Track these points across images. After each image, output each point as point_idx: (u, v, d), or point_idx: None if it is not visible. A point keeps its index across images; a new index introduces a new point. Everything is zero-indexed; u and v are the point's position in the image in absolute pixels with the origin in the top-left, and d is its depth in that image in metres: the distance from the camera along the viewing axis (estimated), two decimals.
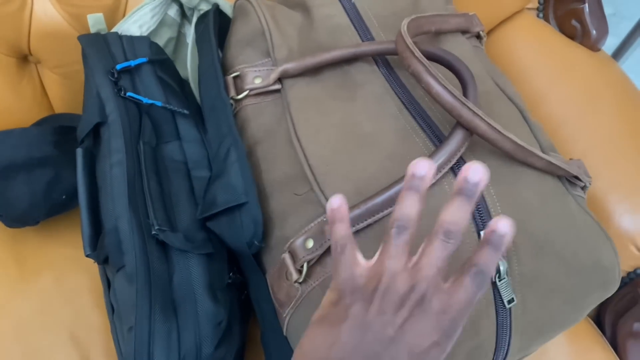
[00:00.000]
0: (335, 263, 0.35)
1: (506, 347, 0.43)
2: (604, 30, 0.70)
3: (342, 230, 0.36)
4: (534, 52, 0.71)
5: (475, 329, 0.41)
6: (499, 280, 0.40)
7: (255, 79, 0.52)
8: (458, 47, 0.53)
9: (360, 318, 0.32)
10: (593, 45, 0.71)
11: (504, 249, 0.32)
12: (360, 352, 0.31)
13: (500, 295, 0.41)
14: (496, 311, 0.41)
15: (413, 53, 0.43)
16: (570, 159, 0.51)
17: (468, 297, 0.32)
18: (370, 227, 0.42)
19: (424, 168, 0.33)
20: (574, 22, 0.71)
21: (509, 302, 0.41)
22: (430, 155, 0.41)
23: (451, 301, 0.32)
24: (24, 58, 0.71)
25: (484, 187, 0.33)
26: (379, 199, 0.41)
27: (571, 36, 0.73)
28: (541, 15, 0.75)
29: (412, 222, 0.33)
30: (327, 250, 0.42)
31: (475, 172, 0.32)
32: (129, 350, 0.42)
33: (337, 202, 0.36)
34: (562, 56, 0.70)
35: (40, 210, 0.59)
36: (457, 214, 0.32)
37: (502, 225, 0.32)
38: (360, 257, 0.35)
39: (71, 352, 0.57)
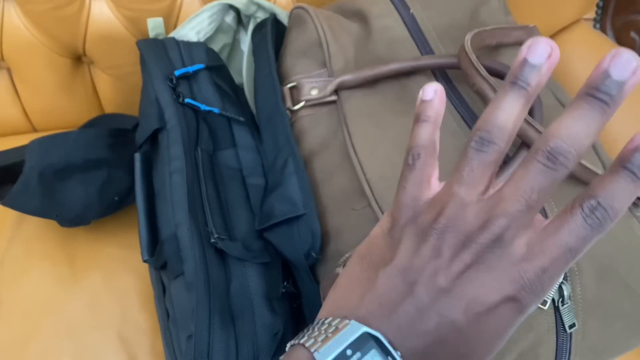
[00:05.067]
0: (401, 178, 0.28)
1: None
2: None
3: (424, 134, 0.28)
4: (589, 64, 0.69)
5: (534, 353, 0.40)
6: (562, 305, 0.40)
7: (312, 90, 0.52)
8: None
9: (406, 260, 0.25)
10: None
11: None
12: (397, 309, 0.25)
13: (562, 320, 0.40)
14: (557, 335, 0.40)
15: (478, 71, 0.42)
16: None
17: (574, 240, 0.23)
18: None
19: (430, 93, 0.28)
20: (632, 34, 0.69)
21: (570, 327, 0.40)
22: None
23: (544, 244, 0.23)
24: (78, 59, 0.73)
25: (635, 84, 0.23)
26: None
27: (629, 48, 0.71)
28: (598, 26, 0.73)
29: (505, 134, 0.24)
30: None
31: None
32: (188, 359, 0.42)
33: (430, 94, 0.28)
34: None
35: (93, 211, 0.61)
36: (576, 125, 0.22)
37: None
38: (435, 178, 0.28)
39: (119, 352, 0.58)
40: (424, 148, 0.28)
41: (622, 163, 0.22)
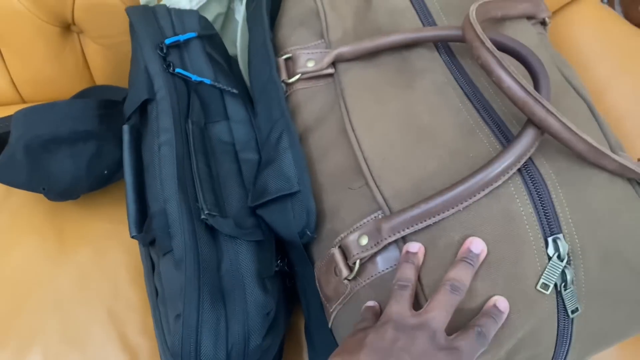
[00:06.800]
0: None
1: (564, 357, 0.41)
2: None
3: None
4: (596, 39, 0.67)
5: (536, 338, 0.39)
6: (565, 290, 0.38)
7: (308, 62, 0.50)
8: (524, 34, 0.50)
9: (376, 345, 0.35)
10: None
11: (501, 321, 0.37)
12: None
13: (564, 305, 0.39)
14: (558, 320, 0.39)
15: (484, 43, 0.40)
16: (639, 159, 0.48)
17: (471, 347, 0.35)
18: (429, 228, 0.40)
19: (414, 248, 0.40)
20: None
21: (573, 311, 0.39)
22: (498, 156, 0.39)
23: (456, 343, 0.35)
24: (67, 27, 0.71)
25: (483, 258, 0.38)
26: (439, 200, 0.39)
27: (637, 24, 0.68)
28: (606, 0, 0.70)
29: (412, 282, 0.39)
30: (382, 249, 0.41)
31: (478, 244, 0.38)
32: (176, 339, 0.41)
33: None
34: (627, 45, 0.67)
35: (82, 184, 0.59)
36: (461, 274, 0.37)
37: (502, 303, 0.38)
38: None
39: (108, 327, 0.57)
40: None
41: (489, 314, 0.37)
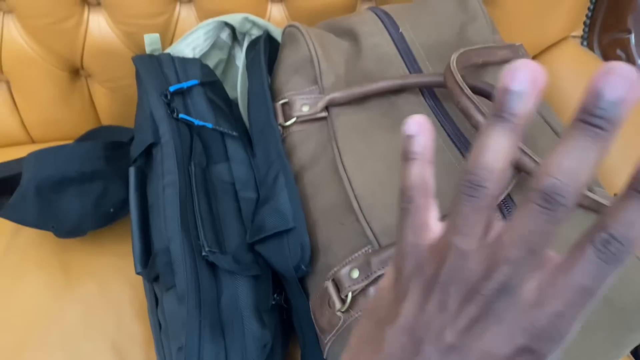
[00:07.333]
0: (398, 224, 0.25)
1: None
2: None
3: (414, 174, 0.25)
4: (577, 80, 0.71)
5: None
6: None
7: (303, 107, 0.53)
8: None
9: (411, 317, 0.23)
10: None
11: None
12: None
13: None
14: None
15: (462, 90, 0.43)
16: (615, 194, 0.51)
17: (589, 279, 0.20)
18: None
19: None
20: (618, 52, 0.70)
21: None
22: None
23: (556, 286, 0.21)
24: (76, 72, 0.74)
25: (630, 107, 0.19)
26: None
27: None
28: (585, 43, 0.74)
29: (494, 175, 0.21)
30: (372, 282, 0.43)
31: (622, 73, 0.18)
32: None
33: (413, 128, 0.25)
34: None
35: (89, 222, 0.62)
36: (570, 158, 0.19)
37: None
38: (433, 219, 0.25)
39: None
40: (415, 190, 0.25)
41: (634, 187, 0.19)
